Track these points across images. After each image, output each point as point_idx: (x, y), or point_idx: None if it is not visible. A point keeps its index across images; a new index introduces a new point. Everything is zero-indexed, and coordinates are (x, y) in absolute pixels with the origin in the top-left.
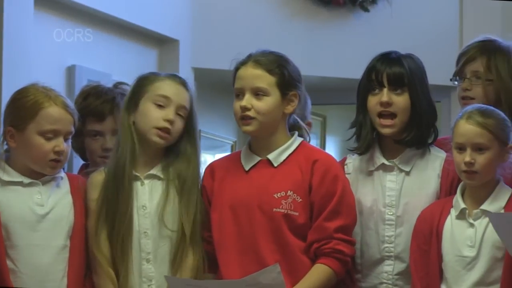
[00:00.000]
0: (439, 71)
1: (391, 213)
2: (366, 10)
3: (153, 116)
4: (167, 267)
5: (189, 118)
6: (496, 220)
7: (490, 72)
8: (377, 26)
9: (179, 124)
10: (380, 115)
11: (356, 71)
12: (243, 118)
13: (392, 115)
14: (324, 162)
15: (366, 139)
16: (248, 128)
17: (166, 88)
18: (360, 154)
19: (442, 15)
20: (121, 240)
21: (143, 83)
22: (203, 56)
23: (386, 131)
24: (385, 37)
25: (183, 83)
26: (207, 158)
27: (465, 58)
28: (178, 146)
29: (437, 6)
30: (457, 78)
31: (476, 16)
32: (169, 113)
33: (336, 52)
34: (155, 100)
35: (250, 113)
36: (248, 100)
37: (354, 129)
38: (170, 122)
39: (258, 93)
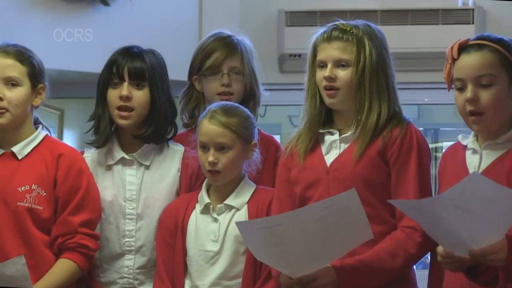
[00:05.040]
0: (178, 67)
1: (132, 207)
2: (106, 4)
3: None
4: None
5: None
6: (242, 227)
7: (247, 68)
8: (117, 21)
9: None
10: (120, 108)
11: (94, 65)
12: None
13: (130, 109)
14: (69, 156)
15: (105, 132)
16: (1, 120)
17: None
18: (97, 147)
19: (182, 12)
20: None
21: None
22: None
23: (122, 122)
24: (125, 32)
25: None
26: None
27: (223, 54)
28: None
29: (177, 3)
30: (208, 73)
31: (215, 13)
32: None
33: (75, 45)
34: None
35: (3, 104)
36: (0, 90)
37: (92, 122)
38: None
39: (10, 83)
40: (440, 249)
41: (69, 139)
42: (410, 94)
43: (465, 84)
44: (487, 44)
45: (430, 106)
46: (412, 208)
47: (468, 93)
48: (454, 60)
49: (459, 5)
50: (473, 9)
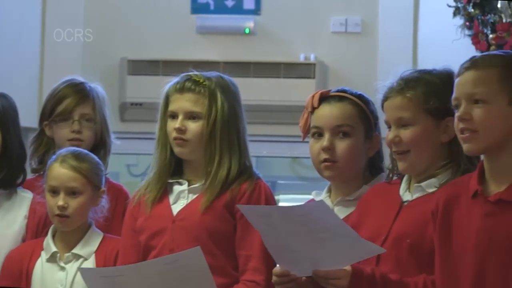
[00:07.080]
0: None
1: None
2: None
3: None
4: None
5: None
6: (85, 275)
7: (99, 115)
8: None
9: None
10: None
11: None
12: None
13: None
14: None
15: None
16: None
17: None
18: None
19: (23, 56)
20: None
21: None
22: None
23: None
24: None
25: None
26: None
27: (75, 100)
28: None
29: (19, 46)
30: (59, 119)
31: (57, 59)
32: None
33: None
34: None
35: None
36: None
37: None
38: None
39: None
40: (276, 269)
41: None
42: (250, 146)
43: (322, 133)
44: (348, 97)
45: (268, 159)
46: (259, 216)
47: (325, 141)
48: (314, 109)
49: (301, 59)
50: (314, 64)
